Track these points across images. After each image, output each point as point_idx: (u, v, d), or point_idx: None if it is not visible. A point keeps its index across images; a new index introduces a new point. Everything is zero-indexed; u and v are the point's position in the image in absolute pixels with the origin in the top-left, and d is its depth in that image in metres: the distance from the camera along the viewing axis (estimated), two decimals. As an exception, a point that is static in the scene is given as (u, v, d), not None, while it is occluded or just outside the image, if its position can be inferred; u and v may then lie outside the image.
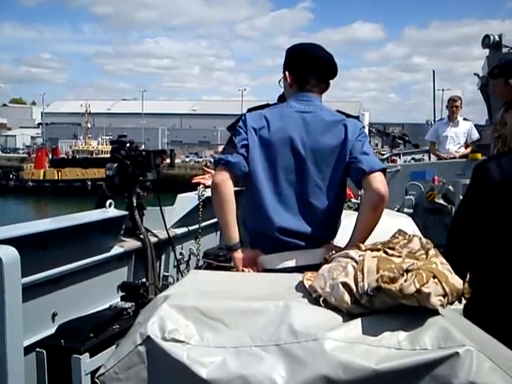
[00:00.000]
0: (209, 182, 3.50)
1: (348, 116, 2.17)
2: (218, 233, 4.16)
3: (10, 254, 1.80)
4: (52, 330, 2.28)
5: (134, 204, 3.24)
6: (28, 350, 2.06)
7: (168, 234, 3.40)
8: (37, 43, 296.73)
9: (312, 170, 2.07)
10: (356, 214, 2.14)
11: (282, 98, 3.10)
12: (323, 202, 2.08)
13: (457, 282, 1.37)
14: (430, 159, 9.58)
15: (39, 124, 79.48)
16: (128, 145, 3.23)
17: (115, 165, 3.15)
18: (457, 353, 1.20)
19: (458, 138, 6.85)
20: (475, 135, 6.73)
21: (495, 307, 1.97)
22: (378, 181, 1.97)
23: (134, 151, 3.24)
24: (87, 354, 2.07)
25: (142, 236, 3.19)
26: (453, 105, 6.77)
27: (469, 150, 6.66)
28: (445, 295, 1.31)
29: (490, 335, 1.43)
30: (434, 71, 21.86)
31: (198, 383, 1.28)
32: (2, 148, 64.04)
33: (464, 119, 6.97)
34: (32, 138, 70.56)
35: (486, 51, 6.41)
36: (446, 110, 6.99)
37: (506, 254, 1.98)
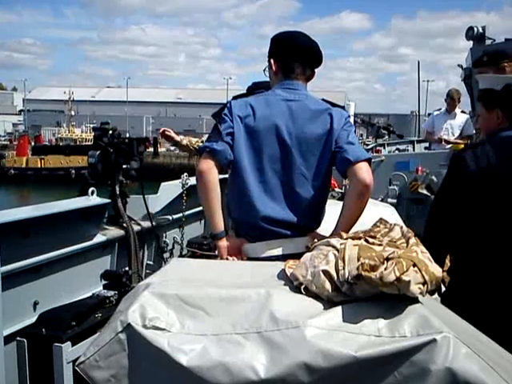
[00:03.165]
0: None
1: (333, 105, 2.18)
2: (202, 221, 4.15)
3: None
4: (33, 319, 2.26)
5: (117, 192, 3.21)
6: (8, 339, 2.04)
7: (151, 222, 3.39)
8: (17, 27, 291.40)
9: (297, 159, 2.07)
10: (340, 203, 2.16)
11: (250, 89, 3.11)
12: (308, 191, 2.08)
13: (436, 270, 1.39)
14: (414, 150, 9.66)
15: (21, 111, 78.16)
16: (111, 132, 3.19)
17: (98, 152, 3.12)
18: (434, 339, 1.22)
19: (452, 129, 6.83)
20: (470, 130, 6.67)
21: (472, 295, 2.01)
22: (364, 171, 1.98)
23: (117, 138, 3.21)
24: (69, 343, 2.06)
25: (124, 224, 3.17)
26: (451, 97, 6.73)
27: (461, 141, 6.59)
28: (424, 283, 1.33)
29: (467, 322, 1.45)
30: (418, 62, 22.07)
31: (179, 371, 1.28)
32: (-17, 135, 62.98)
33: (462, 112, 6.95)
34: (14, 124, 69.31)
35: (470, 43, 6.43)
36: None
37: (482, 242, 2.02)
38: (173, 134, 3.83)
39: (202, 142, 3.80)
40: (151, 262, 3.51)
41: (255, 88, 3.07)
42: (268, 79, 2.59)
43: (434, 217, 2.18)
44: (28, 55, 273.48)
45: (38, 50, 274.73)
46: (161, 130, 3.85)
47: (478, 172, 2.00)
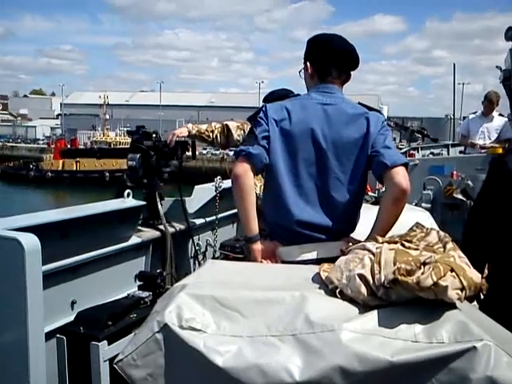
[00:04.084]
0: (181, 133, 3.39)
1: (370, 109, 2.16)
2: (235, 224, 4.16)
3: (31, 241, 1.82)
4: (71, 318, 2.31)
5: (157, 194, 3.25)
6: (49, 335, 2.09)
7: (188, 224, 3.42)
8: (56, 34, 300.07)
9: (333, 163, 2.05)
10: (373, 207, 2.13)
11: (267, 99, 3.07)
12: (344, 195, 2.07)
13: (475, 275, 1.37)
14: (448, 154, 9.47)
15: (58, 115, 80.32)
16: (154, 135, 3.23)
17: (138, 155, 3.14)
18: (474, 347, 1.20)
19: (489, 133, 6.65)
20: (509, 133, 6.48)
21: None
22: (401, 175, 1.96)
23: (159, 142, 3.25)
24: (105, 342, 2.10)
25: (161, 226, 3.20)
26: (490, 100, 6.53)
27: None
28: (462, 289, 1.31)
29: (507, 330, 1.42)
30: (454, 64, 21.64)
31: (214, 371, 1.30)
32: (23, 138, 64.88)
33: (500, 115, 6.77)
34: (52, 128, 71.25)
35: (510, 44, 6.27)
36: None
37: None
38: (183, 133, 3.47)
39: (213, 130, 3.53)
40: (184, 264, 3.55)
41: (273, 98, 3.06)
42: (284, 87, 2.58)
43: (473, 222, 2.14)
44: (66, 61, 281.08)
45: (75, 56, 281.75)
46: (172, 138, 3.35)
47: None
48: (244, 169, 2.00)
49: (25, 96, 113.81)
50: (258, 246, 2.07)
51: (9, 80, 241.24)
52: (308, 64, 2.21)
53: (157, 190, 3.26)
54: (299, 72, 2.30)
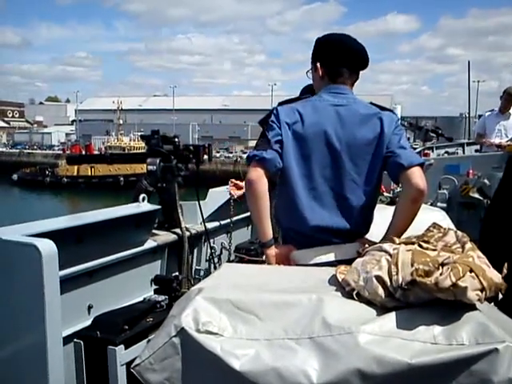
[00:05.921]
0: (237, 193, 3.58)
1: (382, 109, 2.13)
2: (250, 227, 4.16)
3: (49, 246, 1.84)
4: (88, 322, 2.33)
5: (177, 198, 3.25)
6: (66, 340, 2.11)
7: (205, 227, 3.42)
8: (72, 42, 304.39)
9: (348, 165, 2.03)
10: (388, 207, 2.11)
11: (305, 90, 3.08)
12: (359, 196, 2.05)
13: (495, 276, 1.34)
14: (464, 152, 9.36)
15: (73, 121, 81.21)
16: (177, 140, 3.23)
17: (158, 160, 3.14)
18: (496, 349, 1.18)
19: (506, 130, 6.58)
20: None
21: None
22: (417, 176, 1.94)
23: (175, 145, 3.25)
24: (122, 346, 2.11)
25: (177, 230, 3.21)
26: (509, 93, 6.44)
27: None
28: (482, 289, 1.29)
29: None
30: (469, 62, 21.42)
31: (232, 375, 1.29)
32: (39, 145, 65.57)
33: None
34: (66, 134, 71.91)
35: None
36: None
37: None
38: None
39: None
40: (200, 268, 3.56)
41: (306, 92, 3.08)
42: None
43: (491, 220, 2.11)
44: (81, 68, 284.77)
45: (90, 63, 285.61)
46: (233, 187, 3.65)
47: None
48: (258, 174, 1.98)
49: (40, 103, 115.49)
50: (272, 251, 2.06)
51: (26, 88, 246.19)
52: (318, 65, 2.17)
53: (176, 195, 3.26)
54: (306, 73, 2.28)
